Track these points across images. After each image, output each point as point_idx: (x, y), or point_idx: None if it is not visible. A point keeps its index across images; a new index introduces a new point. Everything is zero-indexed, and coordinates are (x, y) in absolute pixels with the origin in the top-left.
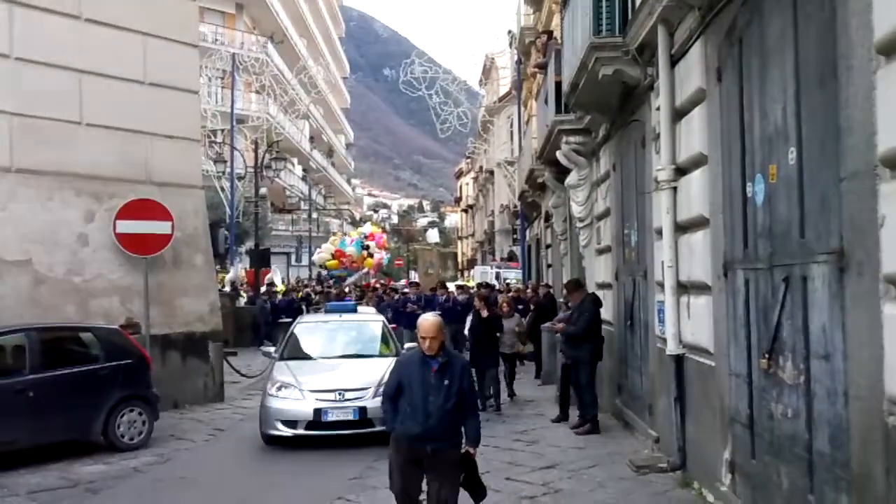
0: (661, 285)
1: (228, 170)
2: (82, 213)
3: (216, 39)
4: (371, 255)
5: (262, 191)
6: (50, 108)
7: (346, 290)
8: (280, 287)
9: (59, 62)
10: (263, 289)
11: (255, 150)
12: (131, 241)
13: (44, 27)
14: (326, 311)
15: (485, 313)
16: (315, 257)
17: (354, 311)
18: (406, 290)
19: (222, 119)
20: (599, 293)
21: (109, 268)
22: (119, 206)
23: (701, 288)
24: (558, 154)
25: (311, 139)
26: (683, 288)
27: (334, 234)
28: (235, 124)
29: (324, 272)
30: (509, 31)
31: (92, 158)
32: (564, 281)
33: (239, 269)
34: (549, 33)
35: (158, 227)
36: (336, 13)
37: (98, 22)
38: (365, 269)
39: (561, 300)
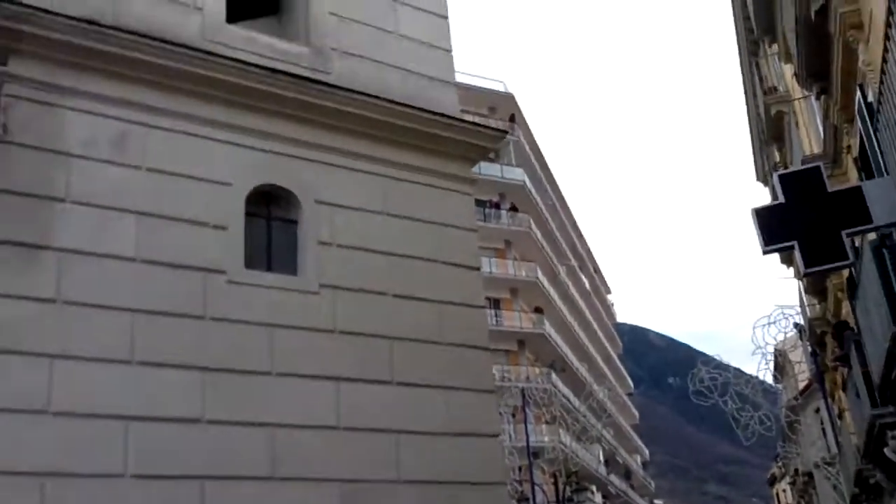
0: None
1: None
2: None
3: (504, 377)
4: None
5: None
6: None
7: None
8: None
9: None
10: None
11: (555, 483)
12: None
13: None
14: None
15: None
16: None
17: None
18: None
19: (519, 455)
20: None
21: None
22: None
23: None
24: (886, 451)
25: (606, 462)
26: None
27: None
28: (532, 459)
29: None
30: (796, 324)
31: None
32: None
33: None
34: (843, 323)
35: None
36: (611, 333)
37: (408, 384)
38: None
39: None
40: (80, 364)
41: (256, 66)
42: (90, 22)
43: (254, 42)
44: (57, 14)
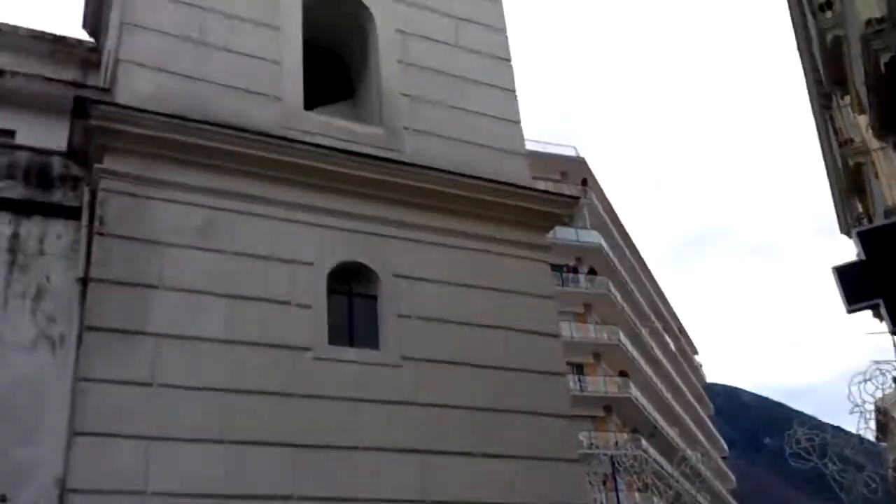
0: None
1: None
2: None
3: (591, 443)
4: None
5: None
6: None
7: None
8: None
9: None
10: None
11: None
12: None
13: None
14: None
15: None
16: None
17: None
18: None
19: None
20: None
21: None
22: None
23: None
24: None
25: None
26: None
27: None
28: None
29: None
30: (895, 379)
31: None
32: None
33: None
34: None
35: None
36: (701, 394)
37: (491, 455)
38: None
39: None
40: (175, 445)
41: (333, 149)
42: (181, 118)
43: (330, 126)
44: (149, 112)
